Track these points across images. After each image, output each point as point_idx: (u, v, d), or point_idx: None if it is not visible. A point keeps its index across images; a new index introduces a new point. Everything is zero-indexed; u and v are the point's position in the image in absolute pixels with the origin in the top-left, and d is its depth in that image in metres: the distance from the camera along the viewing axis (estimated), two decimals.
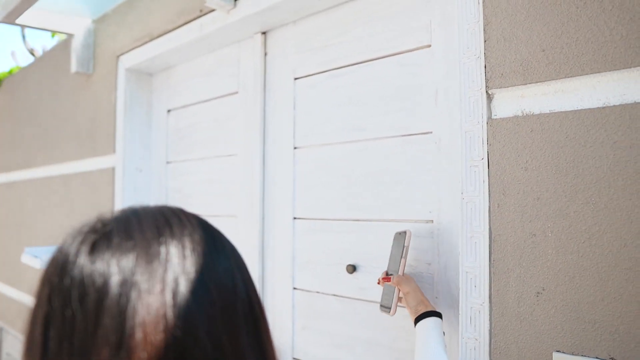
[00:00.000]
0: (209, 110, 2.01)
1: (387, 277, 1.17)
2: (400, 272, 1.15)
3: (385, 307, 1.17)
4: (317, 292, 1.56)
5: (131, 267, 0.40)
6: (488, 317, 1.04)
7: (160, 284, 0.39)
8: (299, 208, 1.62)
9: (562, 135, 0.95)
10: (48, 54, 2.96)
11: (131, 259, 0.40)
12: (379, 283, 1.21)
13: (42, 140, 2.98)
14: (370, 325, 1.40)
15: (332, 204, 1.52)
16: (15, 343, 3.32)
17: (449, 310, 1.22)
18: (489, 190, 1.05)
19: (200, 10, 1.82)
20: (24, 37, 3.75)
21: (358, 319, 1.44)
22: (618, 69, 0.89)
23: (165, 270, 0.40)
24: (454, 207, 1.23)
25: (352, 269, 1.44)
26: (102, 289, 0.38)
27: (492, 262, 1.04)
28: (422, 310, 1.06)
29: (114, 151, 2.27)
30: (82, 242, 0.42)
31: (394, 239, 1.23)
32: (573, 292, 0.93)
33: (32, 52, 3.76)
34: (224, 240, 0.48)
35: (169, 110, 2.23)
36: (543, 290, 0.96)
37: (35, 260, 2.17)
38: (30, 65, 3.20)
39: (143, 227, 0.43)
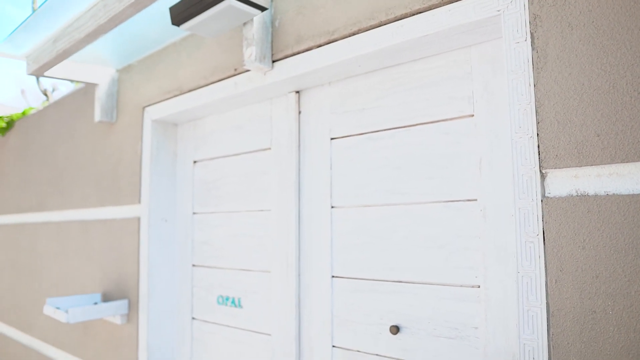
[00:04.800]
0: (239, 164, 2.04)
1: None
2: None
3: None
4: (358, 351, 1.57)
5: None
6: None
7: None
8: (338, 267, 1.65)
9: (619, 217, 1.00)
10: (66, 99, 2.99)
11: None
12: None
13: (57, 184, 2.98)
14: None
15: (373, 265, 1.55)
16: None
17: None
18: (546, 266, 1.09)
19: (235, 69, 1.87)
20: (37, 78, 3.78)
21: None
22: None
23: None
24: (504, 275, 1.27)
25: (396, 329, 1.46)
26: None
27: (550, 335, 1.07)
28: None
29: (139, 201, 2.29)
30: None
31: None
32: None
33: (45, 93, 3.79)
34: None
35: (195, 162, 2.26)
36: None
37: (59, 312, 2.16)
38: (46, 108, 3.22)
39: None
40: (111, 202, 2.48)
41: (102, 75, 2.51)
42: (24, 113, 3.49)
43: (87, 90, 2.76)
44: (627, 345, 0.97)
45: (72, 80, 2.43)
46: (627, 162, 1.00)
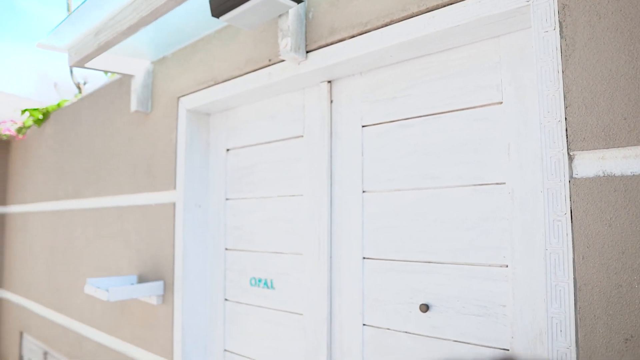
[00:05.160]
0: (271, 152, 2.13)
1: None
2: None
3: None
4: (388, 329, 1.65)
5: None
6: None
7: None
8: (369, 248, 1.72)
9: None
10: (101, 90, 3.11)
11: None
12: None
13: (93, 172, 3.11)
14: None
15: (403, 246, 1.62)
16: None
17: (525, 352, 1.31)
18: (573, 243, 1.15)
19: (269, 60, 1.95)
20: (71, 71, 3.93)
21: (431, 356, 1.53)
22: None
23: None
24: (531, 254, 1.33)
25: (426, 308, 1.53)
26: None
27: (577, 309, 1.13)
28: None
29: (174, 187, 2.39)
30: None
31: None
32: None
33: (78, 86, 3.93)
34: None
35: (227, 150, 2.35)
36: (632, 337, 1.05)
37: (100, 291, 2.28)
38: (81, 100, 3.35)
39: None
40: (146, 189, 2.59)
41: (137, 67, 2.61)
42: (58, 105, 3.63)
43: (123, 81, 2.87)
44: None
45: (107, 72, 2.53)
46: None
